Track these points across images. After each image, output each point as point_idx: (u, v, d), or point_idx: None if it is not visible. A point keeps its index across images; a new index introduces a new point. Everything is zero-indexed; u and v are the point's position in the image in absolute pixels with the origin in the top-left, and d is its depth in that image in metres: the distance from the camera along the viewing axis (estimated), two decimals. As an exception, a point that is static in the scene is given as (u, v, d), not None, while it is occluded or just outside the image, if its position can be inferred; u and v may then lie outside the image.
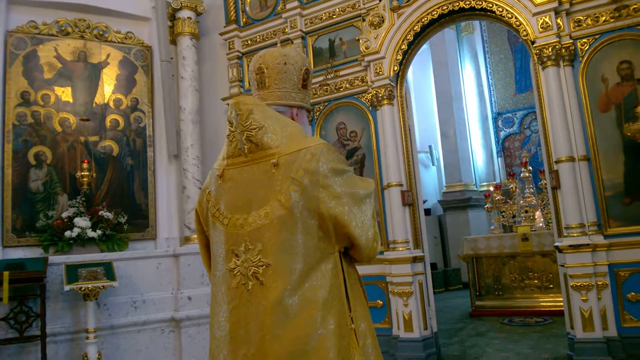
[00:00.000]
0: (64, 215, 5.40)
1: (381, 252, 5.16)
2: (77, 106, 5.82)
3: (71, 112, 5.78)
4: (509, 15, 4.81)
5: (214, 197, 1.75)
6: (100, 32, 6.07)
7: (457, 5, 5.08)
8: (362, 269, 1.83)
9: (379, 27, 5.47)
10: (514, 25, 4.82)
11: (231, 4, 6.61)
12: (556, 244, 4.61)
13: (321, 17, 5.97)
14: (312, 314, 1.54)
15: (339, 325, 1.58)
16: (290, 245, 1.57)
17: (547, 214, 7.35)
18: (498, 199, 8.23)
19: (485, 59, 11.72)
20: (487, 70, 11.68)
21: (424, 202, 7.70)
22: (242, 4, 6.62)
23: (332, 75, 5.78)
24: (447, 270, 10.66)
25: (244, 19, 6.59)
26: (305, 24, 6.07)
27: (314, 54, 6.04)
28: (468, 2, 5.01)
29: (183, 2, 6.25)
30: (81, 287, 4.73)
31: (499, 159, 11.41)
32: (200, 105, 6.31)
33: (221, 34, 6.62)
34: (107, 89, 6.02)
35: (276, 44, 1.85)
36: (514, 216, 7.97)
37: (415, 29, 5.31)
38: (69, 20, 5.92)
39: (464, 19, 5.64)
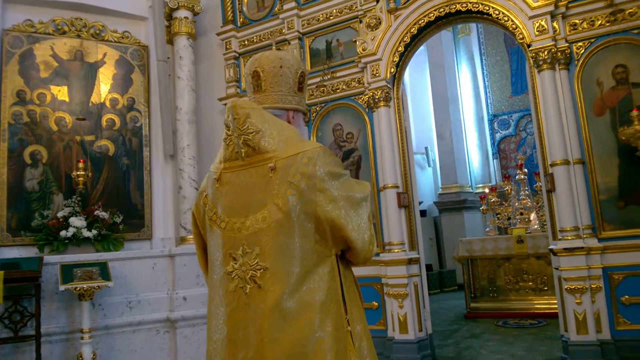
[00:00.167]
0: (60, 214, 5.38)
1: (377, 254, 5.17)
2: (73, 105, 5.81)
3: (67, 112, 5.76)
4: (505, 19, 4.83)
5: (211, 201, 1.76)
6: (97, 31, 6.06)
7: (454, 8, 5.10)
8: (358, 271, 1.84)
9: (376, 29, 5.48)
10: (510, 29, 4.84)
11: (228, 4, 6.61)
12: (551, 246, 4.63)
13: (318, 18, 5.98)
14: (310, 316, 1.55)
15: (336, 327, 1.59)
16: (288, 249, 1.58)
17: (542, 216, 7.37)
18: (493, 201, 8.26)
19: (481, 61, 11.76)
20: (483, 72, 11.71)
21: (420, 203, 7.72)
22: (239, 4, 6.62)
23: (328, 76, 5.78)
24: (443, 271, 10.68)
25: (241, 19, 6.59)
26: (303, 25, 6.07)
27: (311, 55, 6.04)
28: (465, 5, 5.03)
29: (180, 1, 6.25)
30: (76, 287, 4.72)
31: (495, 160, 11.44)
32: (196, 105, 6.30)
33: (218, 34, 6.62)
34: (104, 88, 6.00)
35: (276, 43, 1.85)
36: (509, 218, 8.00)
37: (412, 31, 5.33)
38: (66, 19, 5.90)
39: (460, 22, 5.66)
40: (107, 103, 6.00)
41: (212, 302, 1.71)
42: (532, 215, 7.66)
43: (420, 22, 5.29)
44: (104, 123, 5.95)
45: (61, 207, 5.50)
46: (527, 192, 7.90)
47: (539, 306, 6.93)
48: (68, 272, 4.86)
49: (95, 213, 5.47)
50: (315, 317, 1.55)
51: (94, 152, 5.84)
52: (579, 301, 4.34)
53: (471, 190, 11.25)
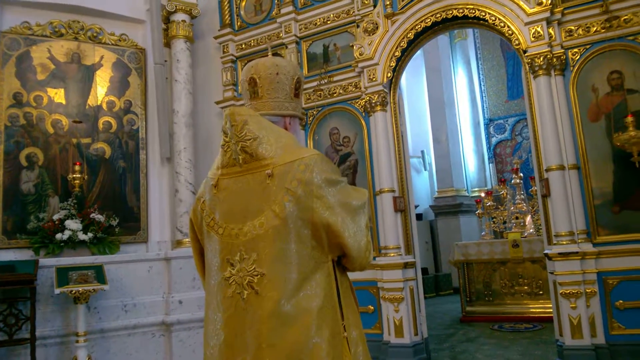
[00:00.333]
0: (55, 217, 5.37)
1: (373, 258, 5.17)
2: (69, 108, 5.80)
3: (64, 114, 5.76)
4: (502, 25, 4.86)
5: (208, 207, 1.77)
6: (94, 34, 6.06)
7: (451, 14, 5.12)
8: (354, 275, 1.86)
9: (372, 34, 5.50)
10: (507, 35, 4.87)
11: (226, 7, 6.62)
12: (546, 251, 4.65)
13: (315, 23, 6.00)
14: (307, 322, 1.56)
15: (333, 334, 1.61)
16: (285, 255, 1.59)
17: (537, 220, 7.40)
18: (489, 205, 8.29)
19: (477, 66, 11.81)
20: (479, 77, 11.77)
21: (416, 207, 7.74)
22: (237, 8, 6.63)
23: (325, 80, 5.80)
24: (438, 275, 10.70)
25: (238, 23, 6.61)
26: (300, 29, 6.09)
27: (308, 59, 6.06)
28: (461, 11, 5.06)
29: (178, 5, 6.26)
30: (72, 290, 4.71)
31: (491, 165, 11.48)
32: (193, 108, 6.31)
33: (215, 38, 6.63)
34: (100, 90, 6.00)
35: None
36: (504, 222, 8.03)
37: (408, 36, 5.35)
38: (63, 21, 5.90)
39: (457, 27, 5.69)
40: (104, 106, 6.00)
41: (209, 307, 1.72)
42: (528, 219, 7.69)
43: (417, 27, 5.31)
44: (100, 126, 5.95)
45: (57, 209, 5.49)
46: (522, 197, 7.93)
47: (534, 310, 6.95)
48: (63, 275, 4.85)
49: (91, 216, 5.46)
50: (312, 323, 1.56)
51: (90, 155, 5.83)
52: (573, 306, 4.36)
53: (467, 194, 11.28)
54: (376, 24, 5.51)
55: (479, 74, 11.76)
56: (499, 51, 11.57)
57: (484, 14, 4.95)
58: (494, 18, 4.90)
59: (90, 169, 5.79)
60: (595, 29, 4.59)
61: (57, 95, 5.76)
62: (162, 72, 6.14)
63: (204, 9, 6.60)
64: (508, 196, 8.15)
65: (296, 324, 1.56)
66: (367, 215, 1.74)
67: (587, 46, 4.62)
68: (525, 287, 7.10)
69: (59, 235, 5.25)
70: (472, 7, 5.00)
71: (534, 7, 4.66)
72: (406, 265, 5.17)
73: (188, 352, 5.49)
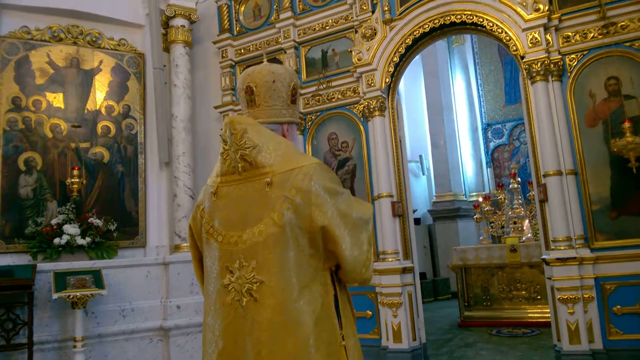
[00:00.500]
0: (53, 222, 5.37)
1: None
2: (68, 112, 5.81)
3: (62, 118, 5.76)
4: (499, 31, 4.88)
5: (208, 214, 1.77)
6: (93, 39, 6.07)
7: (449, 20, 5.14)
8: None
9: (371, 39, 5.52)
10: (504, 40, 4.89)
11: (225, 12, 6.64)
12: (543, 256, 4.66)
13: (314, 28, 6.02)
14: (306, 331, 1.57)
15: (330, 342, 1.62)
16: (284, 263, 1.60)
17: (535, 225, 7.42)
18: (487, 210, 8.29)
19: (475, 70, 11.84)
20: (477, 82, 11.80)
21: (414, 211, 7.74)
22: (235, 13, 6.65)
23: (324, 85, 5.82)
24: (436, 279, 10.70)
25: (237, 28, 6.62)
26: (299, 34, 6.11)
27: (307, 64, 6.08)
28: (459, 17, 5.08)
29: (177, 10, 6.27)
30: (69, 295, 4.70)
31: (488, 169, 11.50)
32: (192, 113, 6.32)
33: (214, 43, 6.65)
34: (99, 95, 6.01)
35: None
36: (502, 227, 8.03)
37: (407, 41, 5.37)
38: (62, 26, 5.91)
39: (455, 33, 5.72)
40: (103, 110, 6.01)
41: (208, 314, 1.73)
42: (526, 224, 7.70)
43: (415, 33, 5.33)
44: (99, 130, 5.95)
45: (55, 214, 5.49)
46: (520, 201, 7.95)
47: (532, 315, 6.95)
48: (61, 280, 4.85)
49: (89, 220, 5.46)
50: (310, 331, 1.57)
51: (89, 159, 5.83)
52: (571, 311, 4.37)
53: (465, 199, 11.30)
54: (374, 29, 5.53)
55: (476, 78, 11.79)
56: (497, 56, 11.60)
57: (481, 20, 4.97)
58: (491, 24, 4.92)
59: (89, 174, 5.79)
60: (592, 35, 4.61)
61: (56, 99, 5.77)
62: (161, 76, 6.16)
63: (202, 14, 6.62)
64: (506, 201, 8.16)
65: (296, 332, 1.57)
66: (369, 231, 1.71)
67: (585, 52, 4.65)
68: (523, 292, 7.10)
69: (57, 240, 5.25)
70: (470, 13, 5.03)
71: (531, 14, 4.69)
72: (404, 271, 5.18)
73: (186, 358, 5.48)
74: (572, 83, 4.67)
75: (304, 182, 1.61)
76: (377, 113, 5.43)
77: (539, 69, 4.65)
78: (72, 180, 5.50)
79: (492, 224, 8.23)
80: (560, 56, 4.68)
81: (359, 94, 5.63)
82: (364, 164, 5.59)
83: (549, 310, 5.01)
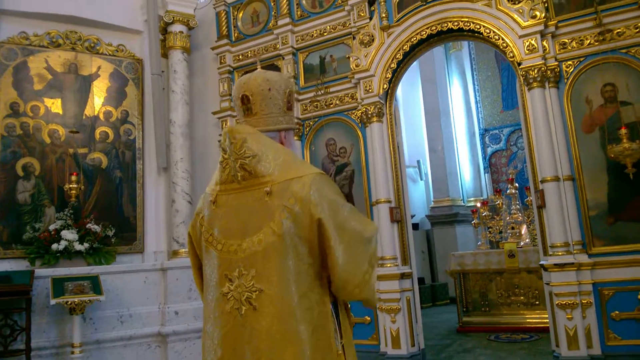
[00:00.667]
0: (51, 227, 5.36)
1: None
2: (66, 118, 5.81)
3: (60, 124, 5.76)
4: (496, 37, 4.91)
5: (207, 222, 1.78)
6: (92, 44, 6.08)
7: (446, 26, 5.18)
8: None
9: (369, 46, 5.55)
10: (501, 47, 4.92)
11: (223, 19, 6.66)
12: (541, 262, 4.68)
13: (312, 34, 6.04)
14: (303, 339, 1.57)
15: (326, 351, 1.62)
16: (283, 272, 1.60)
17: (533, 230, 7.43)
18: (485, 215, 8.30)
19: (472, 76, 11.89)
20: (474, 87, 11.84)
21: (412, 216, 7.75)
22: (234, 19, 6.68)
23: (322, 91, 5.84)
24: (435, 285, 10.69)
25: (235, 34, 6.65)
26: (297, 41, 6.13)
27: (305, 70, 6.10)
28: (456, 24, 5.11)
29: (175, 16, 6.29)
30: (67, 301, 4.69)
31: (486, 174, 11.52)
32: (190, 118, 6.32)
33: (213, 49, 6.67)
34: (97, 101, 6.01)
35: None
36: (500, 232, 8.04)
37: (404, 48, 5.40)
38: (61, 32, 5.92)
39: (452, 39, 5.75)
40: (101, 116, 6.01)
41: (208, 322, 1.73)
42: (524, 230, 7.71)
43: (412, 39, 5.36)
44: (97, 136, 5.95)
45: (53, 220, 5.48)
46: (518, 207, 7.96)
47: (530, 320, 6.95)
48: (59, 286, 4.84)
49: (87, 226, 5.45)
50: (308, 339, 1.58)
51: (87, 165, 5.83)
52: (569, 316, 4.38)
53: (463, 204, 11.30)
54: (372, 36, 5.55)
55: (474, 84, 11.83)
56: (494, 62, 11.65)
57: (478, 27, 5.00)
58: (488, 31, 4.95)
59: (87, 179, 5.79)
60: (588, 41, 4.64)
61: (54, 105, 5.77)
62: (159, 82, 6.16)
63: (201, 20, 6.64)
64: (504, 206, 8.17)
65: (294, 341, 1.57)
66: (370, 250, 1.68)
67: (581, 59, 4.68)
68: (522, 297, 7.11)
69: (55, 246, 5.23)
70: (467, 20, 5.06)
71: (528, 20, 4.72)
72: (403, 276, 5.18)
73: (184, 363, 5.46)
74: (569, 89, 4.70)
75: (303, 191, 1.62)
76: (375, 119, 5.45)
77: (535, 76, 4.68)
78: (70, 185, 5.50)
79: (490, 229, 8.24)
80: (556, 63, 4.72)
81: (356, 100, 5.65)
82: (362, 169, 5.60)
83: (547, 316, 5.01)
